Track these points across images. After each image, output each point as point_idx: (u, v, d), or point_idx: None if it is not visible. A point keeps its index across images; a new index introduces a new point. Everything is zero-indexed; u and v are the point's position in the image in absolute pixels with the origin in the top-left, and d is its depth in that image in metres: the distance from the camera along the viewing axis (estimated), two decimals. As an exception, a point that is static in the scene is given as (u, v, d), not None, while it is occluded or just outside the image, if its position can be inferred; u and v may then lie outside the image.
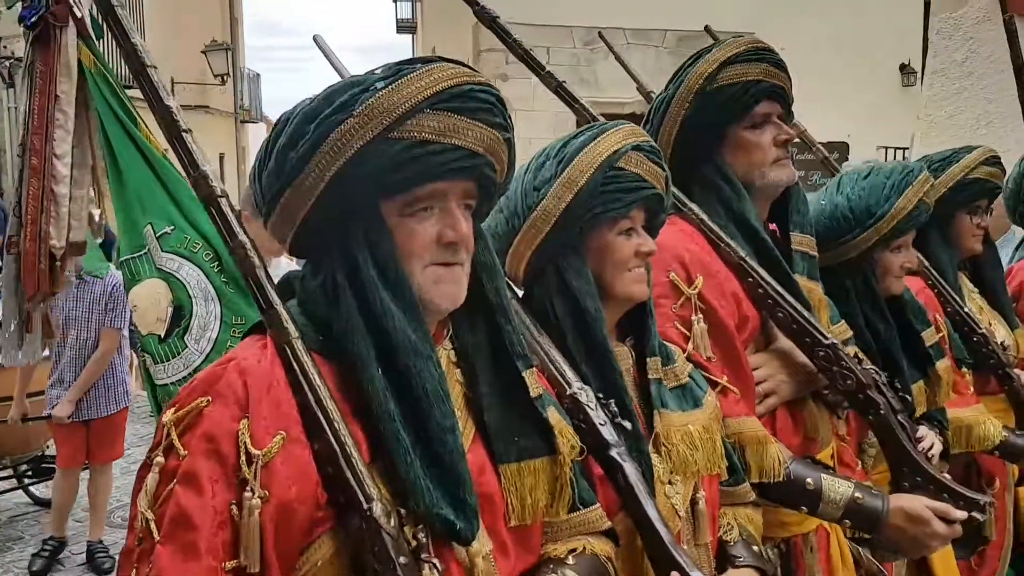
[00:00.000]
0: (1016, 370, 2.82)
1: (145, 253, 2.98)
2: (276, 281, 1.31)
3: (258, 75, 22.90)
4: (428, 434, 1.22)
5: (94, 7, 2.90)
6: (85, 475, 5.38)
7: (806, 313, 2.00)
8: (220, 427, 1.16)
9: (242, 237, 1.27)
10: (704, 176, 2.06)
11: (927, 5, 7.14)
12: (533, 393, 1.39)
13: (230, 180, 17.86)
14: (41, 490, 6.27)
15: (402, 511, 1.18)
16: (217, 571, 1.12)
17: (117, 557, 4.29)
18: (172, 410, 1.20)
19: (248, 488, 1.13)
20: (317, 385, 1.19)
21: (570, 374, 1.60)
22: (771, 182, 2.07)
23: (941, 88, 6.41)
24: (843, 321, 2.25)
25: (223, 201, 1.28)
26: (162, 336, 2.94)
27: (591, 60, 13.22)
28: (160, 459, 1.18)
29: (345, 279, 1.24)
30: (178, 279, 2.96)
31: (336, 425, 1.17)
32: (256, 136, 22.95)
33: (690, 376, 1.80)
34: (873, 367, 2.10)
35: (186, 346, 2.93)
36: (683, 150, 2.06)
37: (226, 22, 18.95)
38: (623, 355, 1.73)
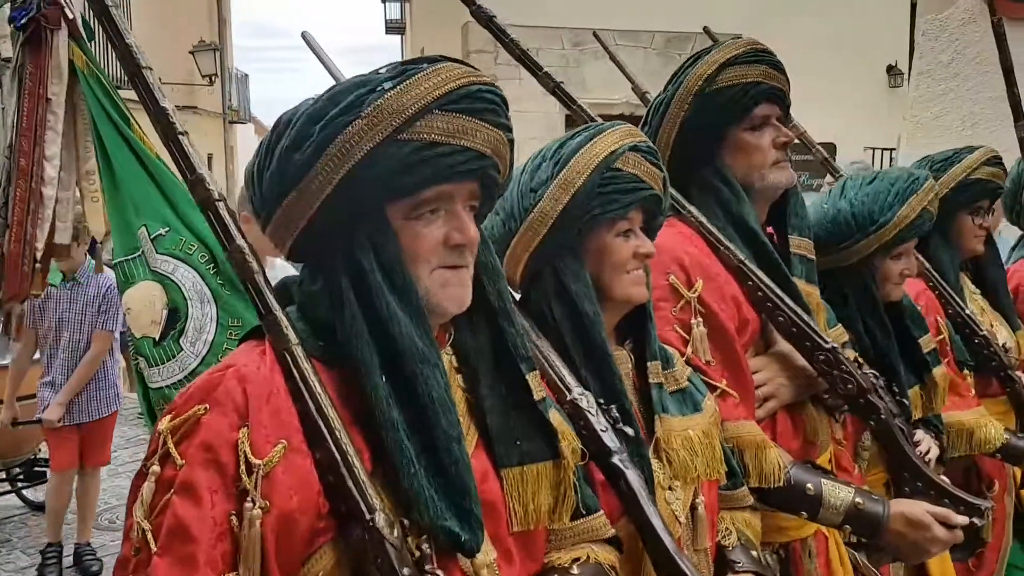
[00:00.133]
0: (1018, 372, 2.81)
1: (139, 255, 2.95)
2: (274, 285, 1.30)
3: (246, 76, 22.81)
4: (434, 443, 1.20)
5: (86, 8, 2.90)
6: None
7: (806, 317, 1.99)
8: (219, 436, 1.13)
9: (240, 241, 1.24)
10: (703, 178, 2.05)
11: (914, 7, 7.19)
12: (537, 396, 1.37)
13: (219, 181, 17.73)
14: (33, 493, 6.25)
15: (405, 522, 1.16)
16: None
17: (104, 559, 4.27)
18: (168, 418, 1.17)
19: (249, 498, 1.11)
20: (318, 393, 1.17)
21: (570, 379, 1.58)
22: (770, 184, 2.06)
23: (927, 89, 6.45)
24: (839, 325, 2.25)
25: (220, 204, 1.25)
26: (157, 339, 2.91)
27: (580, 61, 13.23)
28: (156, 468, 1.16)
29: (349, 284, 1.21)
30: (173, 281, 2.94)
31: (338, 434, 1.15)
32: (244, 137, 22.85)
33: (689, 380, 1.79)
34: (872, 371, 2.09)
35: (181, 349, 2.90)
36: (682, 152, 2.05)
37: (214, 23, 18.87)
38: (622, 359, 1.72)
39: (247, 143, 22.95)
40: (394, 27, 24.46)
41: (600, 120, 1.90)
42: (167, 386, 2.88)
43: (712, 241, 2.00)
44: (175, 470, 1.13)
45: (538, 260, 1.66)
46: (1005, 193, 3.13)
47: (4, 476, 6.00)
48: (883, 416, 2.02)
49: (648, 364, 1.71)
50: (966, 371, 2.76)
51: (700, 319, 1.89)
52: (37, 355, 5.27)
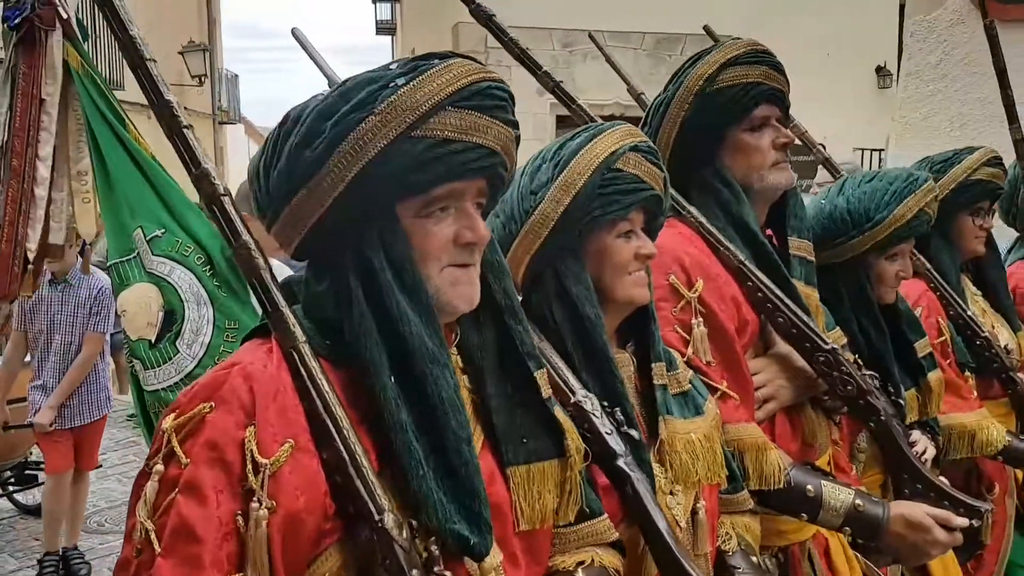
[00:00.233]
0: (1019, 374, 2.80)
1: (134, 257, 2.93)
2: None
3: (236, 76, 22.70)
4: (443, 444, 1.18)
5: (79, 8, 2.88)
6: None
7: (806, 318, 1.99)
8: (224, 434, 1.12)
9: (246, 237, 1.22)
10: (703, 179, 2.05)
11: (902, 8, 7.21)
12: (544, 394, 1.36)
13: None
14: (24, 497, 6.24)
15: (413, 523, 1.15)
16: None
17: (93, 563, 4.24)
18: (172, 416, 1.15)
19: (255, 498, 1.09)
20: (325, 391, 1.15)
21: (573, 382, 1.57)
22: (770, 185, 2.06)
23: (916, 90, 6.47)
24: (838, 328, 2.24)
25: (226, 200, 1.23)
26: (153, 341, 2.90)
27: (569, 62, 13.25)
28: (160, 467, 1.14)
29: (358, 282, 1.20)
30: (169, 283, 2.92)
31: (346, 433, 1.14)
32: (234, 137, 22.75)
33: (691, 383, 1.78)
34: (871, 372, 2.09)
35: (178, 351, 2.89)
36: (682, 152, 2.05)
37: (203, 23, 18.78)
38: (624, 362, 1.71)
39: (237, 144, 22.85)
40: (385, 28, 24.44)
41: (599, 120, 1.90)
42: (163, 389, 2.86)
43: (712, 242, 2.00)
44: (179, 469, 1.12)
45: (539, 262, 1.65)
46: (1003, 195, 3.13)
47: (-4, 479, 5.99)
48: (883, 418, 2.02)
49: (652, 366, 1.69)
50: (968, 373, 2.75)
51: (700, 319, 1.89)
52: (27, 358, 5.25)
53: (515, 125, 1.27)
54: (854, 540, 2.03)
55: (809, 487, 1.91)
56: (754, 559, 1.81)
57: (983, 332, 2.73)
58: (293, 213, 1.21)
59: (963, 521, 1.92)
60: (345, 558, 1.15)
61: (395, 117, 1.16)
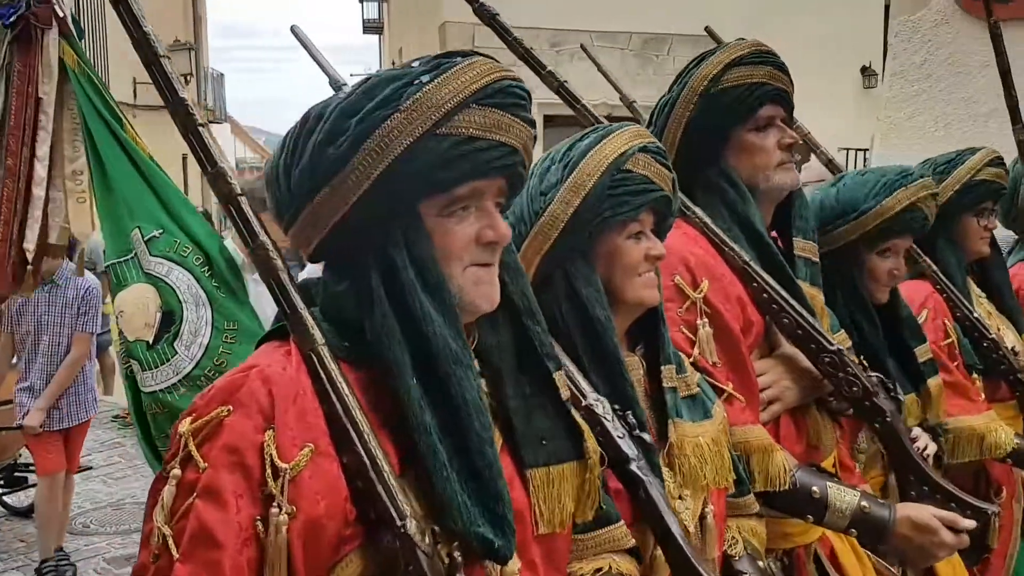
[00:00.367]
0: None
1: (132, 257, 2.91)
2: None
3: (222, 75, 22.58)
4: (467, 446, 1.17)
5: (75, 6, 2.87)
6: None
7: (811, 319, 1.99)
8: (243, 438, 1.10)
9: (263, 237, 1.20)
10: (708, 179, 2.05)
11: (887, 8, 7.25)
12: (564, 395, 1.35)
13: (193, 181, 17.61)
14: (14, 499, 6.21)
15: (436, 528, 1.13)
16: None
17: (78, 564, 4.21)
18: (189, 420, 1.14)
19: (275, 503, 1.07)
20: (345, 395, 1.13)
21: (584, 385, 1.56)
22: (775, 185, 2.06)
23: (900, 90, 6.50)
24: (843, 331, 2.23)
25: (243, 200, 1.21)
26: (150, 342, 2.88)
27: (557, 62, 13.17)
28: (177, 471, 1.12)
29: (380, 282, 1.18)
30: (167, 284, 2.90)
31: (366, 437, 1.12)
32: (221, 136, 22.55)
33: (698, 385, 1.77)
34: (876, 373, 2.08)
35: (176, 352, 2.87)
36: (687, 153, 2.04)
37: (189, 22, 18.69)
38: (634, 365, 1.70)
39: (223, 142, 22.62)
40: (372, 27, 24.39)
41: (604, 121, 1.90)
42: (161, 390, 2.85)
43: (717, 242, 1.99)
44: (198, 473, 1.10)
45: (548, 264, 1.63)
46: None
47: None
48: (888, 419, 2.02)
49: (662, 368, 1.69)
50: (975, 375, 2.74)
51: (706, 320, 1.89)
52: (14, 360, 5.21)
53: (533, 124, 1.26)
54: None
55: (815, 489, 1.90)
56: (760, 564, 1.81)
57: (990, 334, 2.72)
58: (315, 212, 1.20)
59: (970, 523, 1.92)
60: (366, 564, 1.13)
61: (421, 114, 1.16)
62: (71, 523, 5.65)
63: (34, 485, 5.57)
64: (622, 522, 1.49)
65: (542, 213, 1.63)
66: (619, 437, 1.52)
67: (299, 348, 1.17)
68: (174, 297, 2.88)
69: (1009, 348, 2.77)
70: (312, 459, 1.10)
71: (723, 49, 2.08)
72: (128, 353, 2.91)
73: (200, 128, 1.23)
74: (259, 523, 1.08)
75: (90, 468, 7.13)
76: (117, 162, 2.89)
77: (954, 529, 1.91)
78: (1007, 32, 5.81)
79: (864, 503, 1.91)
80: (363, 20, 24.52)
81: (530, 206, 1.65)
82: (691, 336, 1.88)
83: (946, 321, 2.66)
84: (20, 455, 5.90)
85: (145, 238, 2.90)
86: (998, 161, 2.80)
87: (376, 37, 24.94)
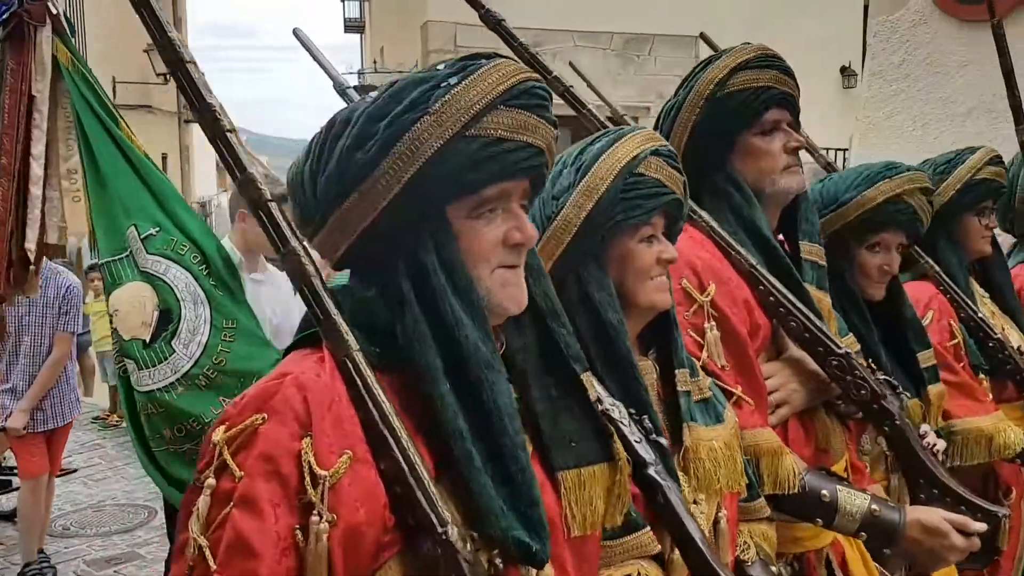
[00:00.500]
0: None
1: (127, 255, 2.88)
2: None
3: (202, 75, 22.36)
4: (500, 451, 1.16)
5: (68, 4, 2.84)
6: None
7: (818, 322, 1.99)
8: (279, 446, 1.08)
9: (294, 243, 1.19)
10: (714, 183, 2.05)
11: (866, 8, 7.30)
12: (592, 396, 1.35)
13: (174, 180, 17.50)
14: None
15: (475, 534, 1.12)
16: None
17: (58, 567, 4.17)
18: (222, 428, 1.12)
19: (315, 512, 1.06)
20: (382, 401, 1.12)
21: (600, 389, 1.55)
22: (781, 189, 2.07)
23: (879, 90, 6.55)
24: (851, 335, 2.23)
25: (272, 205, 1.19)
26: (147, 341, 2.85)
27: (539, 62, 13.26)
28: (212, 481, 1.10)
29: (411, 286, 1.18)
30: (165, 282, 2.87)
31: (404, 443, 1.11)
32: (200, 136, 22.34)
33: (710, 389, 1.77)
34: (885, 376, 2.08)
35: (174, 351, 2.84)
36: (693, 157, 2.03)
37: (169, 21, 18.56)
38: (647, 369, 1.69)
39: (203, 142, 22.42)
40: (353, 26, 24.28)
41: (610, 125, 1.90)
42: (158, 389, 2.82)
43: (723, 246, 1.99)
44: (233, 482, 1.09)
45: (561, 269, 1.63)
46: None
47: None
48: (897, 422, 2.02)
49: (676, 372, 1.69)
50: (981, 375, 2.74)
51: (713, 323, 1.89)
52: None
53: (556, 124, 1.26)
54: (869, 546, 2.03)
55: (824, 492, 1.91)
56: (773, 569, 1.81)
57: (995, 334, 2.72)
58: (343, 218, 1.19)
59: (980, 526, 1.92)
60: (405, 570, 1.12)
61: (450, 116, 1.16)
62: (51, 525, 5.62)
63: (17, 488, 5.51)
64: (648, 528, 1.49)
65: (554, 217, 1.63)
66: (636, 441, 1.51)
67: (333, 354, 1.16)
68: (172, 295, 2.86)
69: (1015, 348, 2.77)
70: (351, 466, 1.09)
71: (729, 53, 2.08)
72: (123, 352, 2.88)
73: (228, 134, 1.20)
74: (298, 532, 1.07)
75: (75, 471, 7.08)
76: (111, 160, 2.86)
77: (965, 532, 1.92)
78: (983, 32, 5.88)
79: (874, 506, 1.91)
80: (344, 19, 24.43)
81: (542, 210, 1.64)
82: (699, 339, 1.87)
83: (951, 322, 2.66)
84: (5, 458, 5.83)
85: (141, 236, 2.88)
86: (997, 160, 2.80)
87: (358, 36, 24.82)
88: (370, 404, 1.12)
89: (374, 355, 1.17)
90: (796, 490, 1.87)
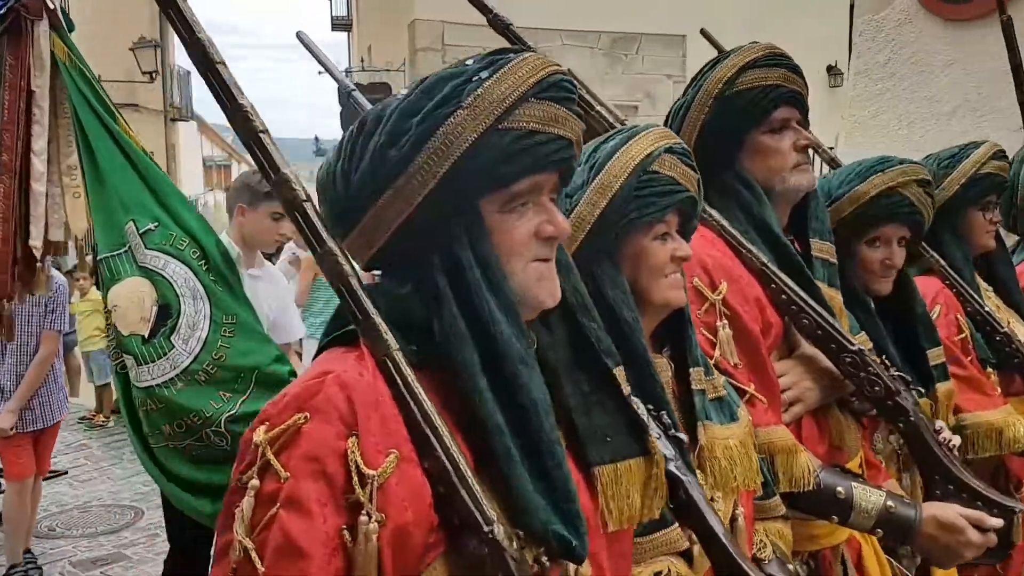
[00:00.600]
0: None
1: (125, 251, 2.86)
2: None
3: (189, 73, 22.23)
4: (537, 447, 1.16)
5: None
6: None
7: (831, 319, 1.99)
8: (324, 446, 1.07)
9: (331, 244, 1.18)
10: (723, 182, 2.05)
11: (852, 7, 7.33)
12: (625, 391, 1.35)
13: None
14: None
15: (520, 532, 1.12)
16: None
17: (44, 568, 4.13)
18: (263, 428, 1.10)
19: (363, 512, 1.05)
20: (423, 399, 1.11)
21: None
22: (791, 187, 2.07)
23: (864, 89, 6.57)
24: (863, 332, 2.23)
25: (307, 205, 1.18)
26: (146, 336, 2.83)
27: (524, 61, 13.28)
28: (255, 481, 1.08)
29: (447, 282, 1.17)
30: (164, 277, 2.85)
31: (447, 442, 1.10)
32: (187, 134, 22.28)
33: (724, 388, 1.77)
34: (899, 372, 2.08)
35: (173, 346, 2.82)
36: (703, 156, 1.96)
37: (155, 19, 18.39)
38: (662, 367, 1.69)
39: (189, 141, 22.34)
40: (340, 24, 24.19)
41: (620, 125, 1.90)
42: (157, 385, 2.80)
43: (734, 244, 1.99)
44: (278, 483, 1.07)
45: (575, 266, 1.63)
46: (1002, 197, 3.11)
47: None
48: (912, 418, 2.02)
49: (690, 371, 1.68)
50: (989, 369, 2.73)
51: (725, 321, 1.89)
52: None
53: (582, 117, 1.26)
54: (884, 543, 2.03)
55: (839, 489, 1.91)
56: (790, 567, 1.81)
57: (1002, 328, 2.71)
58: (378, 215, 1.19)
59: (997, 522, 1.92)
60: (450, 571, 1.11)
61: (483, 110, 1.15)
62: (36, 526, 5.57)
63: (2, 491, 5.46)
64: (676, 524, 1.49)
65: (568, 215, 1.60)
66: (656, 438, 1.48)
67: (372, 354, 1.15)
68: (171, 291, 2.84)
69: (1022, 342, 2.76)
70: (397, 465, 1.08)
71: (737, 52, 2.08)
72: (122, 348, 2.86)
73: (261, 135, 1.19)
74: (345, 532, 1.06)
75: (65, 472, 7.02)
76: (110, 155, 2.84)
77: (981, 528, 1.92)
78: (967, 32, 5.92)
79: (890, 503, 1.91)
80: (332, 17, 24.32)
81: None
82: (711, 338, 1.87)
83: (958, 316, 2.65)
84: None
85: (140, 231, 2.86)
86: (1001, 154, 2.80)
87: (345, 34, 24.71)
88: (411, 403, 1.11)
89: (412, 353, 1.16)
90: (811, 487, 1.87)
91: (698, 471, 1.62)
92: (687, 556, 1.52)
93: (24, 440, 4.95)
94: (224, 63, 1.20)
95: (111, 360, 3.03)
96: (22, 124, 2.70)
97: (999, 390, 2.71)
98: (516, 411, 1.16)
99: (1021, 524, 1.98)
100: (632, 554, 1.44)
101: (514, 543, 1.09)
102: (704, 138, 2.06)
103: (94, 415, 8.76)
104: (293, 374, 3.07)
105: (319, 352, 1.24)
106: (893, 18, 6.43)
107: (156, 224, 2.87)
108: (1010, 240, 3.40)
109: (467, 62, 1.21)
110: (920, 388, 2.14)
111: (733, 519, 1.67)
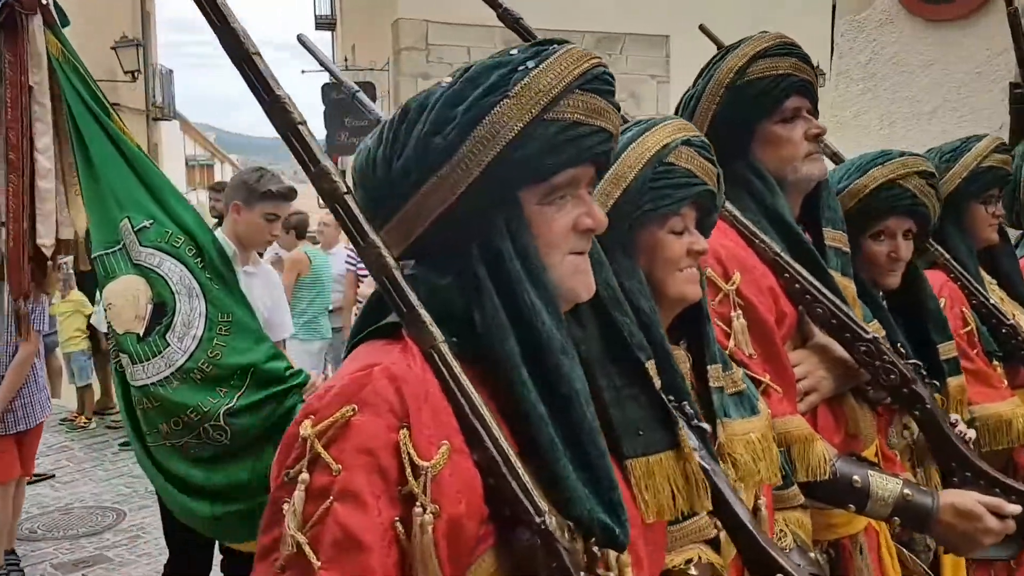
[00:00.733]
0: None
1: (120, 248, 2.83)
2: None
3: (171, 72, 22.10)
4: (579, 437, 1.15)
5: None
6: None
7: (845, 308, 1.99)
8: (376, 438, 1.05)
9: (373, 236, 1.16)
10: (735, 172, 2.02)
11: (834, 7, 7.37)
12: (657, 384, 1.35)
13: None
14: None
15: (571, 523, 1.11)
16: None
17: (26, 570, 4.08)
18: (309, 422, 1.08)
19: (417, 504, 1.04)
20: (471, 391, 1.11)
21: None
22: (803, 176, 2.06)
23: (846, 89, 6.60)
24: (876, 321, 2.22)
25: (349, 198, 1.16)
26: (141, 335, 2.81)
27: (508, 61, 13.30)
28: (305, 475, 1.06)
29: (487, 273, 1.16)
30: (159, 275, 2.83)
31: (495, 433, 1.09)
32: (169, 133, 22.13)
33: (743, 381, 1.75)
34: (914, 360, 2.08)
35: (168, 345, 2.80)
36: (714, 146, 1.95)
37: (137, 18, 18.30)
38: (680, 358, 1.67)
39: (172, 140, 22.16)
40: (324, 23, 24.13)
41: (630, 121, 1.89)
42: (152, 383, 2.78)
43: (747, 234, 1.99)
44: (330, 476, 1.05)
45: (590, 257, 1.61)
46: (1005, 192, 3.08)
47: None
48: (928, 406, 2.02)
49: (708, 368, 1.68)
50: (995, 362, 2.73)
51: (739, 311, 1.88)
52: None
53: (620, 110, 1.26)
54: (896, 535, 2.03)
55: (856, 477, 1.91)
56: (812, 555, 1.81)
57: (1008, 320, 2.71)
58: (420, 204, 1.17)
59: (1016, 508, 1.92)
60: (499, 564, 1.10)
61: (530, 99, 1.15)
62: (18, 528, 5.50)
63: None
64: (705, 513, 1.48)
65: None
66: (679, 428, 1.49)
67: (418, 346, 1.14)
68: (166, 288, 2.82)
69: None
70: (450, 457, 1.07)
71: (748, 42, 2.08)
72: (118, 346, 2.83)
73: (299, 126, 1.16)
74: (398, 524, 1.05)
75: (52, 476, 6.95)
76: (104, 152, 2.81)
77: (999, 515, 1.92)
78: (948, 32, 5.96)
79: (907, 491, 1.92)
80: (315, 16, 24.26)
81: None
82: (726, 328, 1.87)
83: (964, 309, 2.65)
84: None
85: (135, 228, 2.83)
86: (1004, 148, 2.80)
87: (328, 33, 24.64)
88: (459, 395, 1.11)
89: (454, 345, 1.15)
90: (827, 477, 1.87)
91: (721, 462, 1.61)
92: (714, 544, 1.52)
93: (7, 442, 4.87)
94: (259, 53, 1.16)
95: (112, 358, 2.99)
96: (25, 121, 2.66)
97: (1006, 382, 2.70)
98: (558, 401, 1.16)
99: None
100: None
101: (565, 534, 1.09)
102: (715, 128, 2.04)
103: (76, 416, 8.67)
104: (289, 370, 3.04)
105: (353, 346, 1.22)
106: (874, 19, 6.45)
107: (151, 221, 2.85)
108: (1014, 236, 3.41)
109: (511, 52, 1.21)
110: (934, 382, 2.14)
111: (756, 509, 1.67)
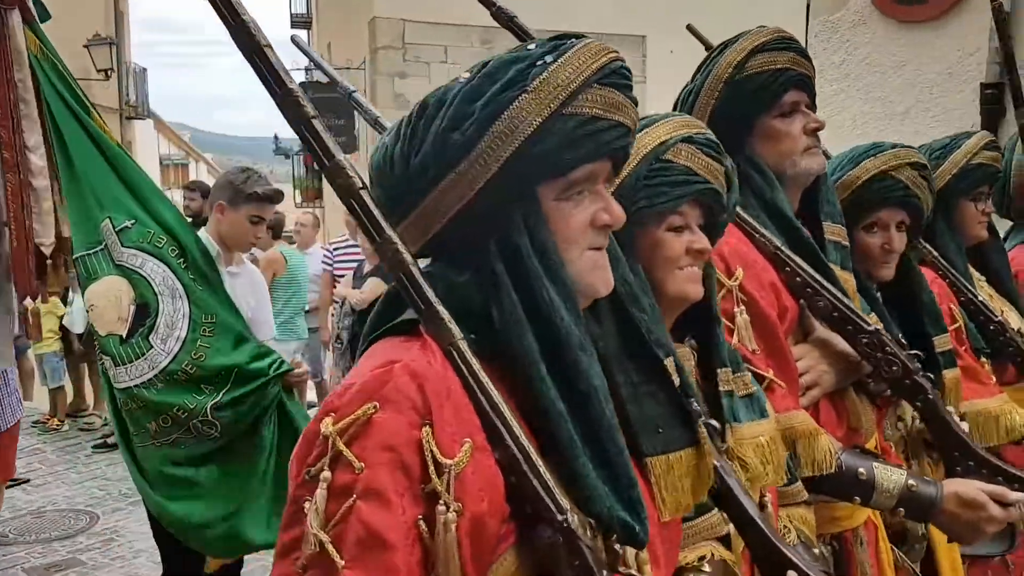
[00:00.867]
0: None
1: (102, 249, 2.79)
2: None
3: (145, 70, 21.89)
4: (597, 433, 1.15)
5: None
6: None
7: (847, 301, 1.99)
8: (398, 436, 1.04)
9: (390, 232, 1.15)
10: (735, 167, 2.01)
11: (808, 9, 7.42)
12: (676, 381, 1.34)
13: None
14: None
15: (592, 521, 1.10)
16: None
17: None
18: (330, 419, 1.07)
19: (441, 501, 1.03)
20: (491, 389, 1.09)
21: None
22: (803, 171, 2.06)
23: (820, 90, 6.64)
24: (875, 313, 2.22)
25: (364, 193, 1.15)
26: (124, 336, 2.76)
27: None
28: (326, 473, 1.05)
29: (504, 270, 1.15)
30: (141, 275, 2.78)
31: (516, 431, 1.08)
32: (143, 132, 21.88)
33: (752, 383, 1.75)
34: (915, 352, 2.08)
35: (151, 346, 2.76)
36: None
37: (110, 16, 18.10)
38: (686, 355, 1.67)
39: (146, 139, 21.90)
40: (300, 21, 23.97)
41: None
42: (135, 386, 2.74)
43: (747, 229, 1.98)
44: (352, 474, 1.03)
45: (588, 255, 1.59)
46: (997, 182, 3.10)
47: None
48: (930, 396, 2.02)
49: (718, 372, 1.67)
50: (983, 358, 2.73)
51: (743, 307, 1.87)
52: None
53: (638, 104, 1.25)
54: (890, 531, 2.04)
55: (861, 470, 1.91)
56: (815, 551, 1.81)
57: (996, 317, 2.73)
58: (438, 199, 1.16)
59: (1019, 496, 1.93)
60: (520, 562, 1.09)
61: (549, 94, 1.14)
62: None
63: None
64: (716, 510, 1.49)
65: None
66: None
67: (437, 343, 1.12)
68: (149, 289, 2.78)
69: (1015, 330, 2.77)
70: (472, 454, 1.06)
71: (746, 36, 2.08)
72: (101, 349, 2.78)
73: (313, 120, 1.15)
74: (421, 522, 1.03)
75: (27, 481, 6.85)
76: (84, 151, 2.77)
77: (1003, 503, 1.92)
78: (920, 33, 6.01)
79: (911, 482, 1.92)
80: (291, 14, 24.10)
81: None
82: (729, 324, 1.86)
83: (952, 306, 2.65)
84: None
85: (116, 229, 2.79)
86: (993, 145, 2.81)
87: (304, 31, 24.48)
88: (479, 393, 1.09)
89: (472, 342, 1.14)
90: (833, 470, 1.87)
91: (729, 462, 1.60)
92: (725, 541, 1.52)
93: (-17, 446, 4.78)
94: (271, 46, 1.14)
95: (97, 361, 2.94)
96: (16, 118, 2.59)
97: (994, 379, 2.71)
98: (577, 398, 1.15)
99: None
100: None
101: (587, 531, 1.08)
102: (714, 123, 2.00)
103: (48, 419, 8.55)
104: (272, 366, 3.01)
105: (369, 343, 1.20)
106: (848, 20, 6.50)
107: (133, 221, 2.81)
108: (1003, 227, 3.43)
109: (529, 47, 1.20)
110: (928, 375, 2.14)
111: (762, 506, 1.66)
